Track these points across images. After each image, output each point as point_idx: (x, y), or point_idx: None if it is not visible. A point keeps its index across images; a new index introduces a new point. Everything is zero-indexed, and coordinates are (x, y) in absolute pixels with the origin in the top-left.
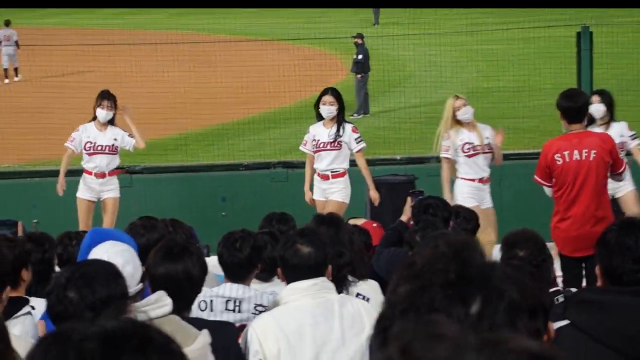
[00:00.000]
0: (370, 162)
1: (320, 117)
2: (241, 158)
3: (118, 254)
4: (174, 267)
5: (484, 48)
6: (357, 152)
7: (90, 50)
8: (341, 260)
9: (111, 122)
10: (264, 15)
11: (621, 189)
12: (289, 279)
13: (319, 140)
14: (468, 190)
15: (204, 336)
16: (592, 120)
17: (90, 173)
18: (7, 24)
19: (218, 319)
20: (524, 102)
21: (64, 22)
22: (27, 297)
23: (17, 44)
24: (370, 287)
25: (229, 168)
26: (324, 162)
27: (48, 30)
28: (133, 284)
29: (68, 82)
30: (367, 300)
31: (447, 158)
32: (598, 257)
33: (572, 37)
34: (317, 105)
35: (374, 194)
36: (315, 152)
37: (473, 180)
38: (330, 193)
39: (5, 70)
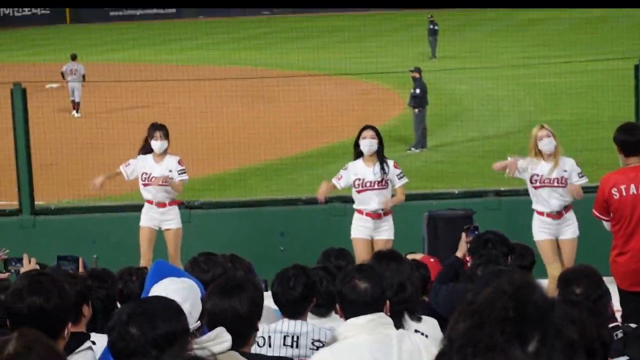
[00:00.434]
0: (427, 196)
1: (359, 155)
2: (299, 193)
3: (176, 291)
4: (221, 303)
5: (541, 81)
6: (400, 187)
7: (152, 86)
8: (403, 295)
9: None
10: (322, 50)
11: None
12: (347, 314)
13: (363, 180)
14: (537, 223)
15: None
16: None
17: (151, 202)
18: (74, 58)
19: (276, 354)
20: (582, 135)
21: (126, 58)
22: (87, 332)
23: (84, 77)
24: (428, 325)
25: (288, 203)
26: (373, 202)
27: (111, 67)
28: (191, 322)
29: (130, 117)
30: (426, 337)
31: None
32: None
33: (630, 69)
34: (356, 143)
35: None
36: (359, 191)
37: (542, 213)
38: (378, 232)
39: (73, 102)
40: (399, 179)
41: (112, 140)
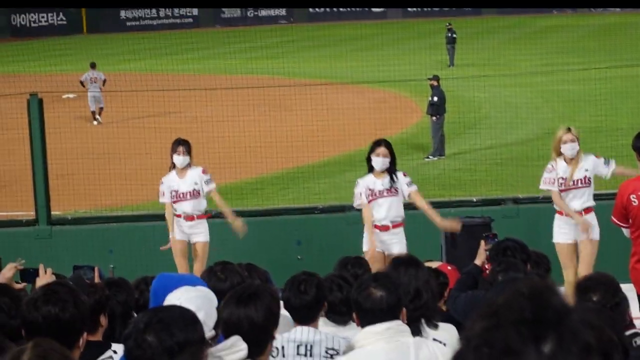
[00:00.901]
0: (446, 204)
1: (371, 169)
2: (316, 201)
3: (190, 300)
4: (237, 312)
5: (560, 88)
6: (413, 192)
7: (168, 95)
8: (419, 302)
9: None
10: (339, 58)
11: None
12: (363, 322)
13: (373, 190)
14: (558, 224)
15: None
16: None
17: (180, 216)
18: (93, 66)
19: None
20: (601, 142)
21: (142, 68)
22: (109, 342)
23: (104, 82)
24: (447, 333)
25: (305, 211)
26: (381, 210)
27: (127, 76)
28: (206, 331)
29: (147, 127)
30: (444, 345)
31: (552, 190)
32: None
33: None
34: (369, 157)
35: (449, 224)
36: (369, 201)
37: (562, 213)
38: (391, 245)
39: (93, 112)
40: (408, 186)
41: (129, 150)
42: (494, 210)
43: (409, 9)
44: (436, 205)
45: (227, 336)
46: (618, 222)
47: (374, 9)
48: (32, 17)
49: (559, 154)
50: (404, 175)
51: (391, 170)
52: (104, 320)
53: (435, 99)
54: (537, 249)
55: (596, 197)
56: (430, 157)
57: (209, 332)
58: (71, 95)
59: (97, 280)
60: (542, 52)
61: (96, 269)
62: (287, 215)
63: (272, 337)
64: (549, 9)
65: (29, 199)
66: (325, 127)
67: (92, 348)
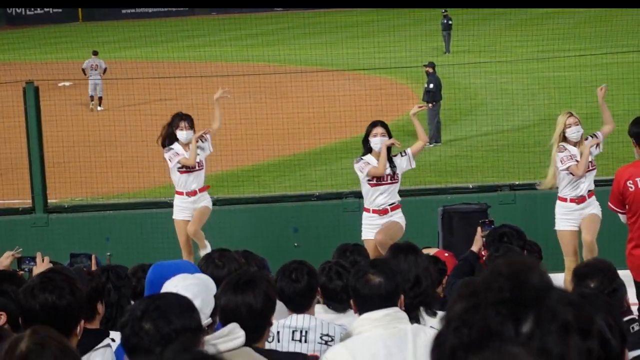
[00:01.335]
0: (442, 191)
1: (368, 151)
2: (313, 188)
3: (187, 287)
4: (235, 299)
5: (556, 75)
6: (410, 152)
7: (164, 83)
8: (418, 289)
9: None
10: (335, 45)
11: None
12: (361, 309)
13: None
14: (560, 211)
15: None
16: None
17: (181, 194)
18: (95, 53)
19: (285, 349)
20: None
21: (138, 56)
22: (107, 329)
23: (105, 70)
24: None
25: (301, 199)
26: (382, 197)
27: (123, 64)
28: (202, 319)
29: (142, 114)
30: None
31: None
32: None
33: None
34: (366, 139)
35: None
36: (373, 185)
37: (565, 199)
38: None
39: (91, 97)
40: (409, 159)
41: (125, 138)
42: (490, 197)
43: None
44: (433, 191)
45: (225, 323)
46: (615, 208)
47: None
48: None
49: (564, 139)
50: (403, 154)
51: (389, 153)
52: (101, 307)
53: (431, 86)
54: (533, 235)
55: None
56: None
57: (205, 320)
58: (67, 83)
59: (94, 268)
60: (538, 39)
61: (93, 256)
62: (283, 203)
63: (270, 324)
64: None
65: (25, 187)
66: (321, 114)
67: (90, 336)
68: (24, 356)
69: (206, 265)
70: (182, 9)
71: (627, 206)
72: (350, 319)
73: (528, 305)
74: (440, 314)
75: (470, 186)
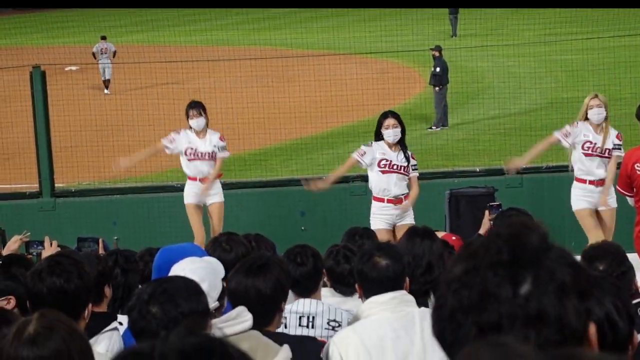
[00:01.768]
0: (449, 174)
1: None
2: (320, 172)
3: (195, 271)
4: (245, 282)
5: (563, 58)
6: (412, 177)
7: (171, 67)
8: (430, 276)
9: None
10: (342, 29)
11: None
12: (368, 292)
13: (391, 162)
14: (577, 192)
15: (285, 351)
16: None
17: (194, 179)
18: (103, 38)
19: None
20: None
21: (144, 40)
22: (114, 313)
23: (114, 54)
24: None
25: None
26: (397, 187)
27: (129, 48)
28: (210, 302)
29: (149, 99)
30: None
31: (559, 139)
32: None
33: None
34: (378, 131)
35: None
36: (384, 172)
37: (584, 181)
38: (401, 218)
39: (104, 81)
40: (412, 170)
41: (132, 122)
42: (497, 180)
43: None
44: (440, 175)
45: (234, 306)
46: (623, 191)
47: None
48: None
49: (585, 119)
50: (413, 157)
51: (403, 145)
52: (108, 291)
53: (438, 69)
54: (540, 218)
55: None
56: (433, 127)
57: (213, 303)
58: (74, 68)
59: (101, 252)
60: (545, 22)
61: (100, 240)
62: (290, 187)
63: (280, 310)
64: (549, 8)
65: (32, 171)
66: (328, 98)
67: (98, 319)
68: (32, 339)
69: (213, 249)
70: None
71: (634, 189)
72: (357, 303)
73: (526, 267)
74: None
75: (478, 170)
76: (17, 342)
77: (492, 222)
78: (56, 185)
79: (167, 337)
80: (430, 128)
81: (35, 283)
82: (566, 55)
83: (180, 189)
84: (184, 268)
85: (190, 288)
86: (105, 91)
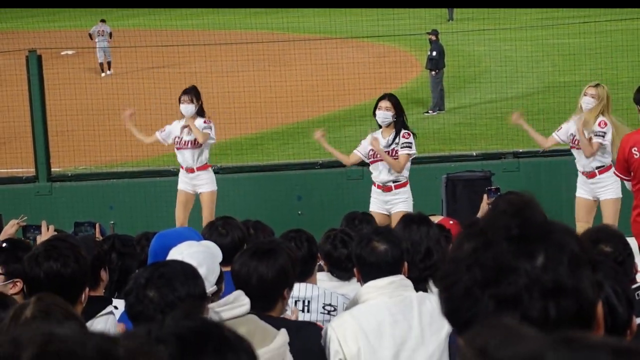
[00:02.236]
0: (445, 159)
1: (380, 125)
2: (317, 156)
3: (192, 255)
4: (249, 264)
5: (560, 42)
6: (401, 155)
7: (167, 51)
8: (429, 262)
9: (201, 114)
10: (339, 13)
11: None
12: (366, 277)
13: (375, 151)
14: (579, 180)
15: (282, 336)
16: None
17: (182, 167)
18: (103, 21)
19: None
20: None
21: (140, 24)
22: (109, 297)
23: (110, 35)
24: None
25: (305, 167)
26: (383, 173)
27: (125, 32)
28: (207, 287)
29: (146, 83)
30: None
31: (553, 137)
32: None
33: None
34: (374, 112)
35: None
36: (371, 162)
37: (580, 171)
38: (393, 204)
39: (101, 64)
40: (401, 147)
41: (129, 106)
42: (494, 164)
43: None
44: (436, 159)
45: (237, 287)
46: (620, 175)
47: None
48: None
49: (581, 111)
50: (404, 136)
51: (398, 128)
52: (104, 275)
53: (435, 53)
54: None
55: None
56: (430, 111)
57: (210, 288)
58: (70, 52)
59: (98, 236)
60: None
61: (97, 225)
62: (287, 171)
63: (283, 297)
64: (548, 8)
65: (29, 155)
66: (324, 82)
67: (94, 303)
68: (29, 323)
69: (210, 233)
70: None
71: (632, 173)
72: (354, 287)
73: (536, 240)
74: None
75: (474, 154)
76: (14, 325)
77: (490, 206)
78: (53, 169)
79: (164, 321)
80: (427, 112)
81: (32, 267)
82: (563, 39)
83: (177, 173)
84: (181, 252)
85: (187, 272)
86: (108, 72)
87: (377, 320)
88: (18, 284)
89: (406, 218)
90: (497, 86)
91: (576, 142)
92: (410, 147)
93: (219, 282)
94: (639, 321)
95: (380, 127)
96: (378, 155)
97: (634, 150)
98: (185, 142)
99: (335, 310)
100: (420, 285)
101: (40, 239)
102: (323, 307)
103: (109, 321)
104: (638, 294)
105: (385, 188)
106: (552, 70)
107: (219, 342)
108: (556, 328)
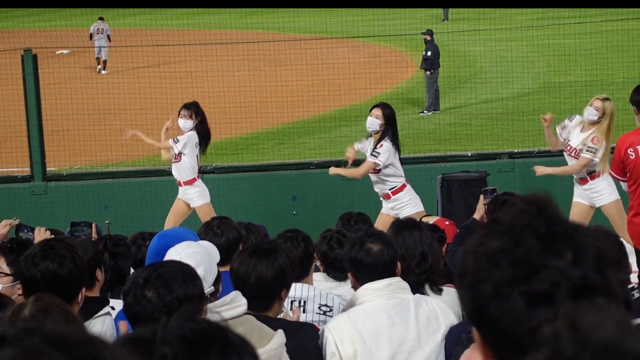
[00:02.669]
0: (441, 159)
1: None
2: (311, 156)
3: (190, 255)
4: (247, 263)
5: (555, 42)
6: (366, 161)
7: (162, 51)
8: (425, 266)
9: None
10: (334, 13)
11: None
12: (362, 279)
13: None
14: (575, 188)
15: (279, 336)
16: None
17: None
18: (101, 19)
19: None
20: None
21: (135, 23)
22: (106, 297)
23: (109, 37)
24: (449, 297)
25: (300, 167)
26: (375, 186)
27: (121, 32)
28: (205, 287)
29: (141, 82)
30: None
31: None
32: None
33: None
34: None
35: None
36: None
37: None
38: (399, 209)
39: (97, 59)
40: (370, 154)
41: (124, 106)
42: (489, 165)
43: None
44: (431, 159)
45: (236, 287)
46: (616, 176)
47: None
48: None
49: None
50: (379, 146)
51: (382, 137)
52: (100, 275)
53: (429, 53)
54: None
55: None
56: (425, 111)
57: (208, 288)
58: (65, 51)
59: (94, 236)
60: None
61: (93, 225)
62: (282, 171)
63: (280, 297)
64: (548, 8)
65: (24, 155)
66: (320, 82)
67: (91, 304)
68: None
69: (205, 233)
70: None
71: (627, 174)
72: (350, 288)
73: (563, 238)
74: (445, 289)
75: (469, 154)
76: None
77: (486, 206)
78: (48, 169)
79: (167, 322)
80: (422, 112)
81: (29, 267)
82: (558, 40)
83: (171, 173)
84: (179, 252)
85: (185, 273)
86: (103, 71)
87: (374, 322)
88: None
89: (397, 224)
90: (492, 86)
91: (569, 149)
92: (376, 157)
93: (216, 282)
94: (637, 322)
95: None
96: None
97: (630, 151)
98: (174, 156)
99: (331, 311)
100: (417, 291)
101: (37, 239)
102: (319, 308)
103: (105, 322)
104: (633, 295)
105: (385, 196)
106: (547, 71)
107: (223, 344)
108: None
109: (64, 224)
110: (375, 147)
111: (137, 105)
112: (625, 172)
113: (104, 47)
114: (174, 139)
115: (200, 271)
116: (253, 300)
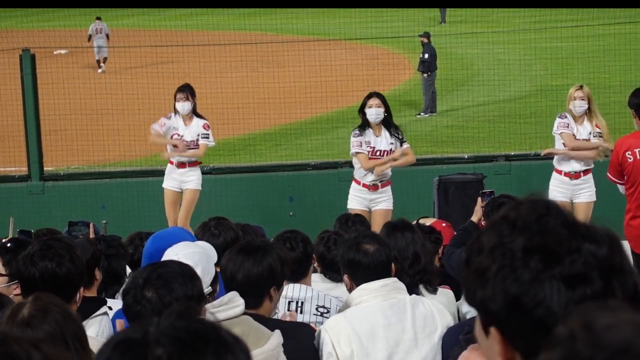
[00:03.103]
0: (437, 161)
1: (365, 122)
2: (308, 158)
3: (188, 256)
4: (235, 259)
5: (551, 45)
6: (407, 149)
7: (160, 52)
8: (418, 266)
9: (196, 113)
10: (331, 14)
11: None
12: (359, 280)
13: (374, 148)
14: (554, 183)
15: (276, 337)
16: None
17: (172, 163)
18: (99, 18)
19: None
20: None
21: (134, 24)
22: (104, 297)
23: (107, 36)
24: (445, 297)
25: (297, 168)
26: (369, 175)
27: (119, 32)
28: (203, 287)
29: (138, 83)
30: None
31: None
32: None
33: None
34: (361, 111)
35: (382, 168)
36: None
37: (560, 172)
38: (377, 203)
39: (97, 61)
40: (404, 143)
41: (122, 106)
42: (485, 167)
43: None
44: (428, 161)
45: (224, 283)
46: (613, 179)
47: None
48: None
49: (570, 112)
50: (399, 132)
51: (387, 125)
52: (98, 274)
53: (427, 56)
54: None
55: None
56: (421, 114)
57: (205, 289)
58: (63, 51)
59: (91, 236)
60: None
61: (91, 225)
62: (279, 172)
63: (269, 295)
64: (548, 8)
65: (21, 154)
66: (317, 83)
67: (89, 303)
68: (26, 322)
69: (202, 234)
70: None
71: (625, 177)
72: (344, 290)
73: (580, 225)
74: (440, 290)
75: (466, 156)
76: (11, 324)
77: (484, 209)
78: (45, 168)
79: (158, 322)
80: (419, 114)
81: (27, 267)
82: (555, 43)
83: None
84: (177, 253)
85: (185, 273)
86: (100, 68)
87: (370, 323)
88: None
89: (389, 225)
90: (489, 89)
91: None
92: (406, 141)
93: (213, 283)
94: None
95: (364, 126)
96: (378, 153)
97: (628, 154)
98: (187, 142)
99: (328, 312)
100: (412, 291)
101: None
102: (316, 309)
103: (103, 322)
104: None
105: (373, 187)
106: (543, 74)
107: (217, 344)
108: None
109: (61, 224)
110: (398, 135)
111: (135, 106)
112: (622, 174)
113: (104, 47)
114: (203, 137)
115: (198, 271)
116: (241, 296)
